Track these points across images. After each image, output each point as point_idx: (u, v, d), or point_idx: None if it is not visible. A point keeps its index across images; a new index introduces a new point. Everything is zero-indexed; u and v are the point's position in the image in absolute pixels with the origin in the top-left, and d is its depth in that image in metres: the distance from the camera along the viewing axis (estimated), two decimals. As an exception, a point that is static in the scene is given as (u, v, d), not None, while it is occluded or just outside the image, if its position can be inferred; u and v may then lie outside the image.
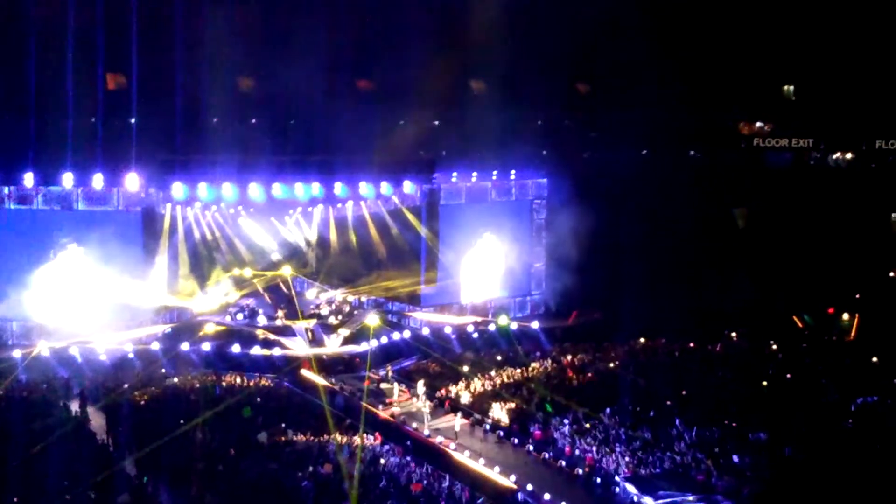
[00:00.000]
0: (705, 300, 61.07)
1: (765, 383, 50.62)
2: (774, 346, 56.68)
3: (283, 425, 44.62)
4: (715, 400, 47.70)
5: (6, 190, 55.17)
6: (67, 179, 55.40)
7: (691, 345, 56.76)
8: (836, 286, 63.42)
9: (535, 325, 60.13)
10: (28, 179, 55.12)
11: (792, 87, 77.96)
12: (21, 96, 59.42)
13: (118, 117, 63.45)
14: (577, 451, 42.33)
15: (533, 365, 54.09)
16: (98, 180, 55.60)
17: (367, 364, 53.70)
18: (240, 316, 59.61)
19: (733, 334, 58.46)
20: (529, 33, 67.49)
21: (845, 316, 62.09)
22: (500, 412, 46.59)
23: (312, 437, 43.64)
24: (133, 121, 63.84)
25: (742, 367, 53.10)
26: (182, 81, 62.93)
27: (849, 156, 75.23)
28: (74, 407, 45.94)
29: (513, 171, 65.29)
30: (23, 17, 59.95)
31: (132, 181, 55.97)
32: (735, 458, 40.84)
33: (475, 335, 58.99)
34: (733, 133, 77.98)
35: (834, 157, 75.69)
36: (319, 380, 51.44)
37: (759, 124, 78.02)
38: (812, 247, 64.76)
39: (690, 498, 37.71)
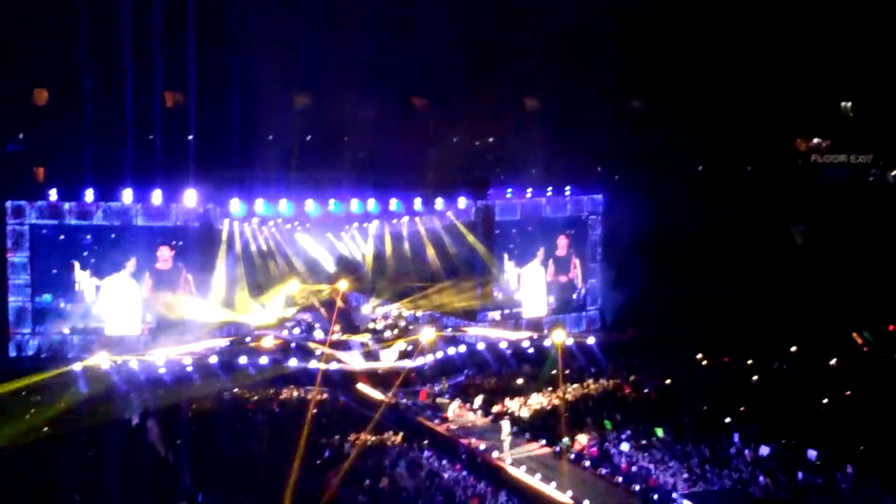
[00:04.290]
0: (763, 316, 60.49)
1: (825, 401, 50.07)
2: (833, 363, 56.04)
3: (337, 436, 44.86)
4: (774, 416, 47.29)
5: (67, 206, 56.09)
6: (127, 195, 56.26)
7: (749, 361, 56.22)
8: (896, 303, 62.65)
9: (590, 340, 59.95)
10: (88, 195, 56.04)
11: (850, 104, 77.29)
12: (80, 114, 60.23)
13: (176, 134, 64.09)
14: (634, 468, 42.11)
15: (588, 381, 53.99)
16: (157, 196, 56.45)
17: (422, 379, 53.94)
18: (297, 330, 59.99)
19: (793, 348, 57.80)
20: (583, 50, 67.50)
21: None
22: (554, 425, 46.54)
23: (368, 451, 43.81)
24: (190, 138, 64.52)
25: (801, 384, 52.55)
26: (238, 99, 63.54)
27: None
28: (134, 420, 46.42)
29: (567, 188, 65.32)
30: (81, 35, 60.78)
31: (190, 197, 56.76)
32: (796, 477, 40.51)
33: (531, 350, 58.93)
34: (790, 149, 77.43)
35: (893, 173, 74.90)
36: (376, 394, 51.69)
37: (816, 140, 77.43)
38: (872, 263, 64.00)
39: (749, 515, 37.46)
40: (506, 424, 46.19)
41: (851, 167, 75.35)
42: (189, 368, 53.25)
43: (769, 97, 69.85)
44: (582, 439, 44.81)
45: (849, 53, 69.66)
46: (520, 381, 53.63)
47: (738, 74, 67.63)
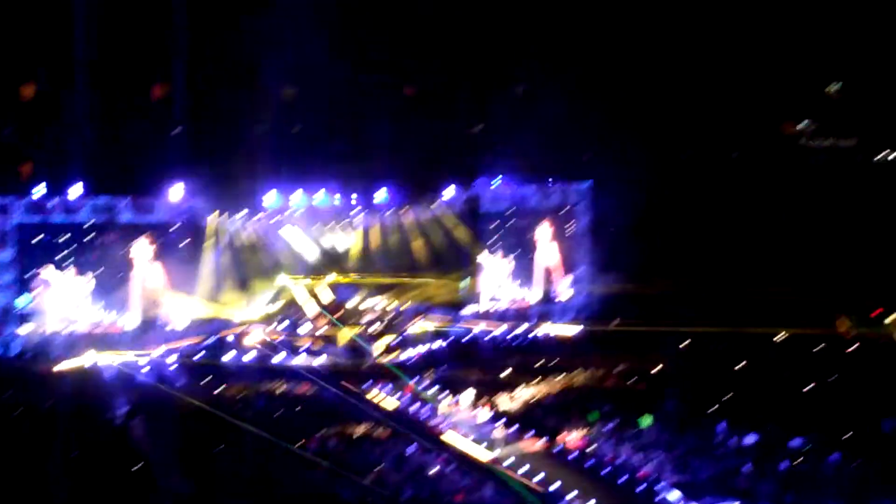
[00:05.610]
0: (750, 303, 60.43)
1: (812, 385, 50.08)
2: (822, 346, 56.04)
3: (324, 432, 44.90)
4: (760, 404, 47.31)
5: (52, 203, 55.91)
6: (112, 191, 56.21)
7: (736, 349, 56.16)
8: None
9: (576, 330, 59.92)
10: (74, 191, 55.88)
11: (837, 87, 77.08)
12: (68, 110, 60.03)
13: (161, 130, 63.88)
14: (620, 459, 42.13)
15: (575, 371, 53.95)
16: (142, 192, 56.41)
17: (408, 372, 53.94)
18: (282, 325, 59.88)
19: (782, 333, 57.75)
20: (569, 41, 67.29)
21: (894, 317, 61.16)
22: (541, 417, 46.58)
23: (356, 445, 43.84)
24: (177, 132, 64.30)
25: (788, 371, 52.57)
26: (225, 93, 63.30)
27: (894, 155, 74.26)
28: (118, 419, 46.38)
29: (554, 177, 65.25)
30: (67, 29, 60.52)
31: (176, 192, 56.72)
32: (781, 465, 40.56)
33: (516, 342, 58.91)
34: (776, 134, 77.22)
35: (878, 156, 74.76)
36: (361, 389, 51.73)
37: (802, 124, 77.24)
38: (859, 249, 63.84)
39: (735, 504, 37.47)
40: (483, 414, 46.44)
41: (837, 151, 75.17)
42: (173, 367, 53.18)
43: (755, 83, 69.66)
44: (569, 433, 44.85)
45: (834, 36, 69.37)
46: (506, 373, 53.59)
47: (722, 59, 67.37)
